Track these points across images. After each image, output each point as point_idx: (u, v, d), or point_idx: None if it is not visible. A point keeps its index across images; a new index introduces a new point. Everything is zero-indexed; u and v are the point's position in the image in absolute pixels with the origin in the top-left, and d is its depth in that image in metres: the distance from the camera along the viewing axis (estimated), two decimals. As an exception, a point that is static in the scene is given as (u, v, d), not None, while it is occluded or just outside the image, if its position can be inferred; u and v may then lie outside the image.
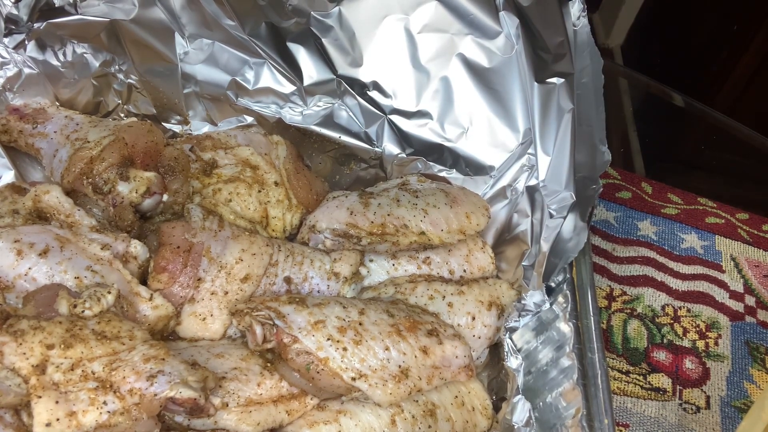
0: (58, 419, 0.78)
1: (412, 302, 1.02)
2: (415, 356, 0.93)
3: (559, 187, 1.06)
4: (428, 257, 1.10)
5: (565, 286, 1.03)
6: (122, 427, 0.80)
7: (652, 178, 1.52)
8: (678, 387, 1.18)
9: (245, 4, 1.16)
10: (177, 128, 1.29)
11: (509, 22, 1.09)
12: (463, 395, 0.98)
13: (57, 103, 1.24)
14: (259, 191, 1.13)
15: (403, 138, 1.23)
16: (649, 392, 1.16)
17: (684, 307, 1.30)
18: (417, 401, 0.94)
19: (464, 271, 1.10)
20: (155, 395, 0.80)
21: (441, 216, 1.09)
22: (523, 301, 1.06)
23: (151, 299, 0.95)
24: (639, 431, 1.12)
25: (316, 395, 0.93)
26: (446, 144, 1.21)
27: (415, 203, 1.11)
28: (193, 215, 1.05)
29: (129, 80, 1.25)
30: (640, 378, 1.18)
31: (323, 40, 1.19)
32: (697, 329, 1.26)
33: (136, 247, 0.99)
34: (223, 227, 1.04)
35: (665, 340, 1.24)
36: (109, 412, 0.79)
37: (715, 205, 1.48)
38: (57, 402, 0.79)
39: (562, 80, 1.05)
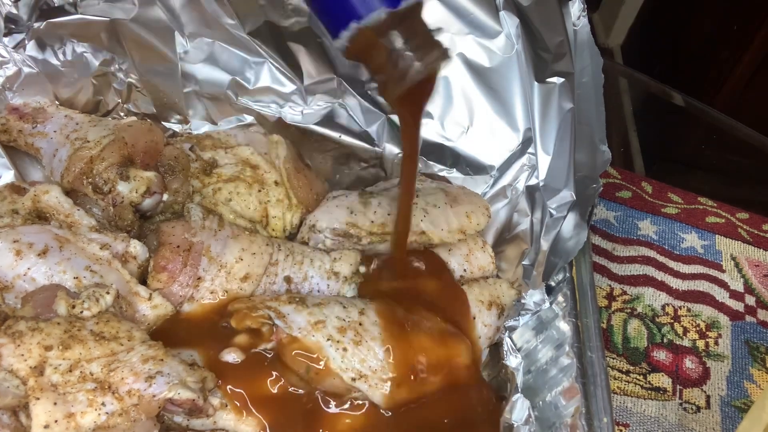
0: (56, 421, 0.78)
1: (413, 302, 1.02)
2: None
3: (559, 186, 1.06)
4: (428, 257, 1.10)
5: (564, 286, 1.03)
6: (121, 428, 0.80)
7: (652, 178, 1.52)
8: (678, 387, 1.18)
9: (245, 4, 1.16)
10: (177, 127, 1.29)
11: (509, 22, 1.09)
12: None
13: (57, 103, 1.24)
14: (259, 191, 1.13)
15: (403, 137, 1.23)
16: (649, 392, 1.16)
17: (684, 306, 1.29)
18: None
19: (464, 270, 1.10)
20: (154, 396, 0.80)
21: (441, 215, 1.09)
22: (522, 301, 1.06)
23: (150, 299, 0.95)
24: (639, 431, 1.11)
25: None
26: (446, 143, 1.21)
27: (415, 203, 1.10)
28: (193, 215, 1.05)
29: (129, 79, 1.25)
30: (640, 377, 1.18)
31: (323, 39, 1.19)
32: (697, 329, 1.26)
33: (136, 247, 0.99)
34: (223, 226, 1.04)
35: (665, 340, 1.24)
36: (107, 413, 0.79)
37: (715, 204, 1.48)
38: (55, 403, 0.79)
39: (562, 80, 1.05)
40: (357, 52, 0.80)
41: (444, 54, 0.82)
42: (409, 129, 0.95)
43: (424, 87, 0.86)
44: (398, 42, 0.79)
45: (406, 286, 1.03)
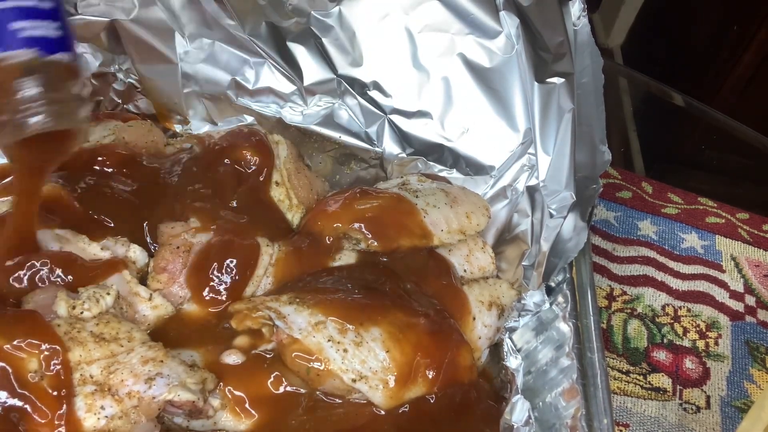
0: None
1: (412, 302, 1.02)
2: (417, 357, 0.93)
3: (559, 187, 1.06)
4: (428, 257, 1.09)
5: (565, 286, 1.03)
6: (121, 430, 0.80)
7: (652, 178, 1.52)
8: (678, 387, 1.18)
9: (245, 4, 1.16)
10: (177, 127, 1.29)
11: (509, 22, 1.09)
12: None
13: (57, 103, 1.23)
14: (260, 191, 1.13)
15: (403, 138, 1.23)
16: (649, 392, 1.16)
17: (684, 306, 1.30)
18: None
19: (464, 271, 1.10)
20: (153, 398, 0.80)
21: (441, 216, 1.09)
22: (522, 301, 1.06)
23: (150, 299, 0.95)
24: (639, 431, 1.12)
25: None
26: (446, 144, 1.21)
27: (415, 203, 1.10)
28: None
29: (129, 80, 1.25)
30: (640, 378, 1.18)
31: (323, 39, 1.19)
32: (697, 329, 1.26)
33: (135, 252, 0.99)
34: (222, 227, 1.04)
35: (665, 340, 1.24)
36: (107, 417, 0.79)
37: (715, 204, 1.48)
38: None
39: (562, 80, 1.05)
40: None
41: (77, 120, 0.78)
42: (18, 187, 0.86)
43: (53, 145, 0.80)
44: (29, 87, 0.73)
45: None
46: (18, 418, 0.76)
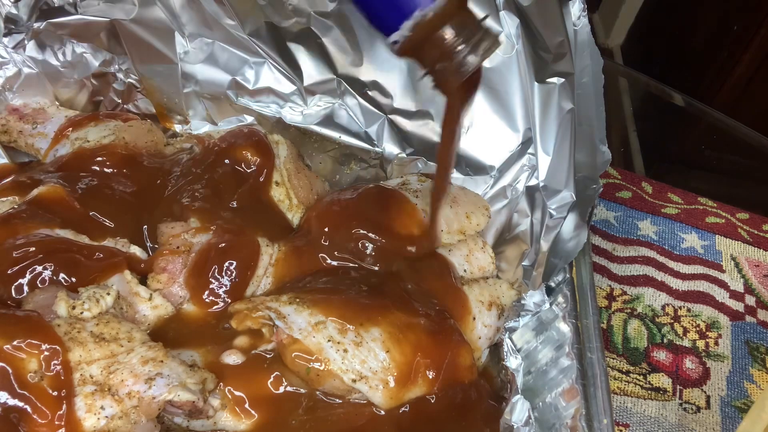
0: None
1: (413, 303, 1.02)
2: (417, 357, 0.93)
3: (559, 187, 1.06)
4: (428, 257, 1.09)
5: (564, 286, 1.03)
6: (121, 430, 0.80)
7: (652, 178, 1.52)
8: (678, 387, 1.18)
9: (245, 4, 1.16)
10: (177, 128, 1.29)
11: (509, 22, 1.09)
12: None
13: (57, 103, 1.24)
14: (260, 191, 1.13)
15: (403, 138, 1.23)
16: (649, 392, 1.16)
17: (684, 306, 1.30)
18: None
19: (464, 271, 1.10)
20: (154, 398, 0.80)
21: (441, 216, 1.09)
22: (522, 301, 1.06)
23: (150, 299, 0.95)
24: (639, 431, 1.12)
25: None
26: (446, 144, 1.21)
27: (415, 203, 1.10)
28: (193, 215, 1.05)
29: (129, 80, 1.25)
30: (640, 378, 1.18)
31: (323, 39, 1.19)
32: (697, 329, 1.26)
33: (135, 253, 0.99)
34: (222, 227, 1.04)
35: (665, 340, 1.24)
36: (107, 417, 0.79)
37: (715, 204, 1.48)
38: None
39: (562, 80, 1.04)
40: (415, 43, 0.81)
41: (496, 41, 0.83)
42: (455, 118, 0.95)
43: (475, 75, 0.87)
44: (451, 32, 0.80)
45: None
46: (18, 419, 0.77)
